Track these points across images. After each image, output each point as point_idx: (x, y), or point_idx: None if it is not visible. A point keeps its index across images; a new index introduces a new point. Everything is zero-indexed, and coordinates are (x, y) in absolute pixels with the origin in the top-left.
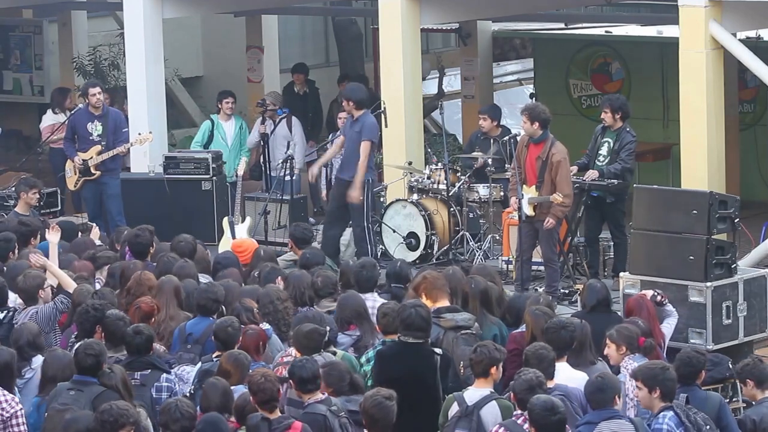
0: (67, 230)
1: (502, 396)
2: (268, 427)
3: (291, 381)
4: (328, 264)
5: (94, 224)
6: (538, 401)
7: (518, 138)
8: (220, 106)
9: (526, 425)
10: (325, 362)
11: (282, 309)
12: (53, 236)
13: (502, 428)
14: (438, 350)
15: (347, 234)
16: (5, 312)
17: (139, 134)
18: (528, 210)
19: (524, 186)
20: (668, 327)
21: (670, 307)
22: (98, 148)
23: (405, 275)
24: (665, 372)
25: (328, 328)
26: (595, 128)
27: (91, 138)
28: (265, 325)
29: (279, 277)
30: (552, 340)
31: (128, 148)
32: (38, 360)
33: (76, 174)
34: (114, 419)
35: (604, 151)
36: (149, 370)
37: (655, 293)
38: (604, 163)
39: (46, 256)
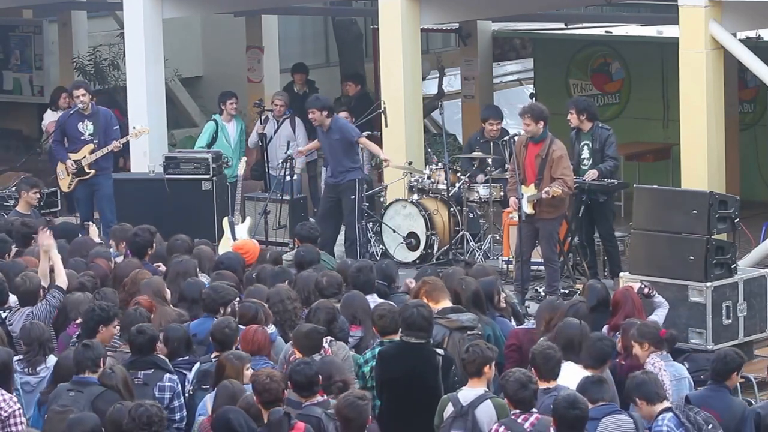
0: (67, 231)
1: (496, 394)
2: (288, 421)
3: (290, 383)
4: (324, 260)
5: (92, 223)
6: (562, 395)
7: (516, 138)
8: (224, 107)
9: (527, 424)
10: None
11: (291, 309)
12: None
13: (503, 427)
14: (440, 350)
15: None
16: (7, 312)
17: (134, 128)
18: (528, 208)
19: (523, 186)
20: (656, 318)
21: (659, 298)
22: (91, 146)
23: (390, 274)
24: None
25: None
26: (570, 134)
27: (82, 138)
28: (270, 328)
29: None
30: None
31: (122, 143)
32: (52, 360)
33: (69, 175)
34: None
35: (585, 153)
36: (152, 370)
37: (642, 285)
38: (588, 165)
39: None
